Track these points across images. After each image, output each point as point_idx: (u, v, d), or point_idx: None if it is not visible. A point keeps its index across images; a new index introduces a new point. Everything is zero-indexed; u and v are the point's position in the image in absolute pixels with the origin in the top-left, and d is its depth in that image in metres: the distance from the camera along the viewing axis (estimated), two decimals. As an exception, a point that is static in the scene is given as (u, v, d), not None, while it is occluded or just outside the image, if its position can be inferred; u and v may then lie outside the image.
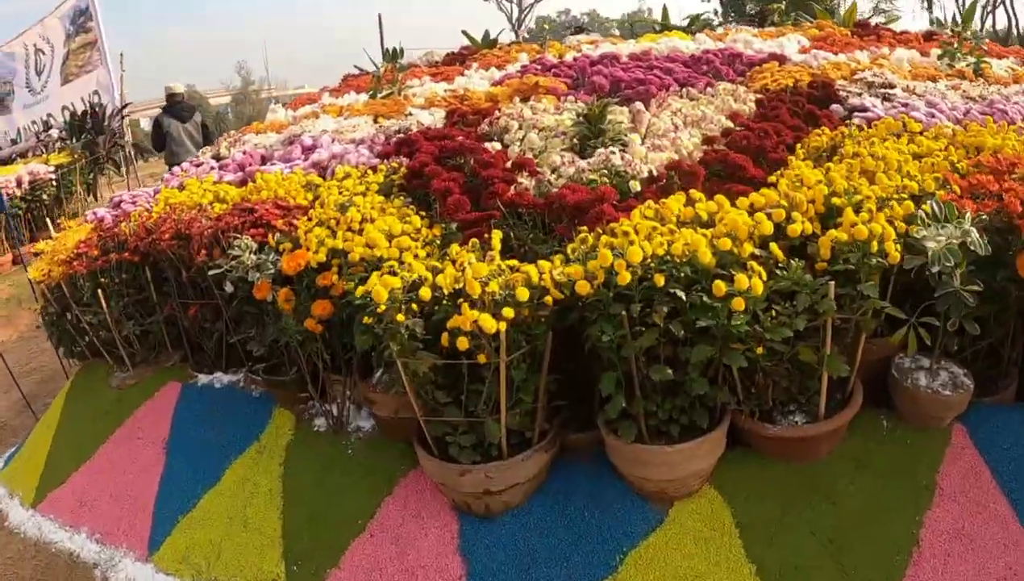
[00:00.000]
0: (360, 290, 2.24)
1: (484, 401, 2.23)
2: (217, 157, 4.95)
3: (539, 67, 5.43)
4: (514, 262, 2.25)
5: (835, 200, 2.48)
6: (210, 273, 2.95)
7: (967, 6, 8.17)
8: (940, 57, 4.77)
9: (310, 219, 3.10)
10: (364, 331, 2.49)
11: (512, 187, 2.91)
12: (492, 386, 2.20)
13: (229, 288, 2.97)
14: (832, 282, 2.15)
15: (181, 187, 4.26)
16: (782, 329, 2.12)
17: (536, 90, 4.50)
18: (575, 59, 5.44)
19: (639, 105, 3.63)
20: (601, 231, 2.41)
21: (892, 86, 4.10)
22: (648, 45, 5.58)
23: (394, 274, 2.23)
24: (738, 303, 2.02)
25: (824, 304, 2.14)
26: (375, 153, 4.16)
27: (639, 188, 2.82)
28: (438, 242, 2.73)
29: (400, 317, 2.12)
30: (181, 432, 3.23)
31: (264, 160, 4.68)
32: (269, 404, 3.21)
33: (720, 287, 2.03)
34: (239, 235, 3.04)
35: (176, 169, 4.90)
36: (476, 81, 5.24)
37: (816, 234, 2.34)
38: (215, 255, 3.25)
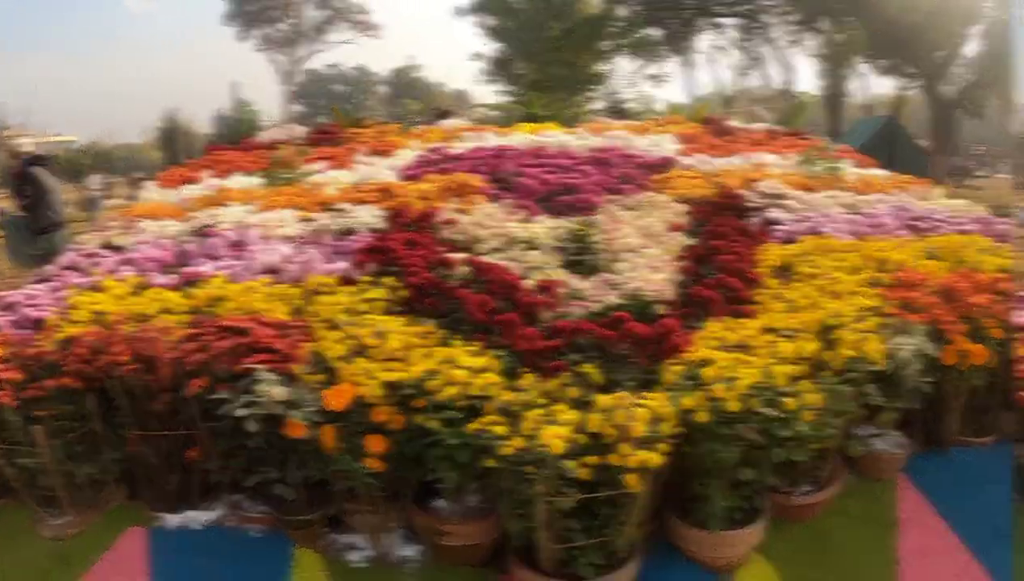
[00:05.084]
0: (517, 441, 2.29)
1: (618, 521, 2.42)
2: (111, 247, 4.38)
3: (439, 157, 5.56)
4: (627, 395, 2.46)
5: (829, 320, 3.08)
6: (237, 412, 2.70)
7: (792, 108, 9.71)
8: (802, 163, 5.65)
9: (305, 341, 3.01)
10: (454, 467, 2.52)
11: (547, 311, 3.06)
12: (622, 508, 2.41)
13: (253, 427, 2.74)
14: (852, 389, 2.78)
15: (96, 289, 3.76)
16: (828, 429, 2.70)
17: (467, 190, 4.65)
18: (471, 151, 5.65)
19: (601, 219, 3.94)
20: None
21: (784, 197, 4.83)
22: (537, 139, 5.95)
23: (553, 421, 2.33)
24: (807, 415, 2.56)
25: (851, 406, 2.78)
26: (320, 252, 4.00)
27: (663, 311, 3.12)
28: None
29: (572, 464, 2.22)
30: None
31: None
32: (280, 544, 2.95)
33: (791, 403, 2.53)
34: (256, 367, 2.83)
35: (63, 259, 4.23)
36: (384, 172, 5.22)
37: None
38: (203, 382, 2.98)
